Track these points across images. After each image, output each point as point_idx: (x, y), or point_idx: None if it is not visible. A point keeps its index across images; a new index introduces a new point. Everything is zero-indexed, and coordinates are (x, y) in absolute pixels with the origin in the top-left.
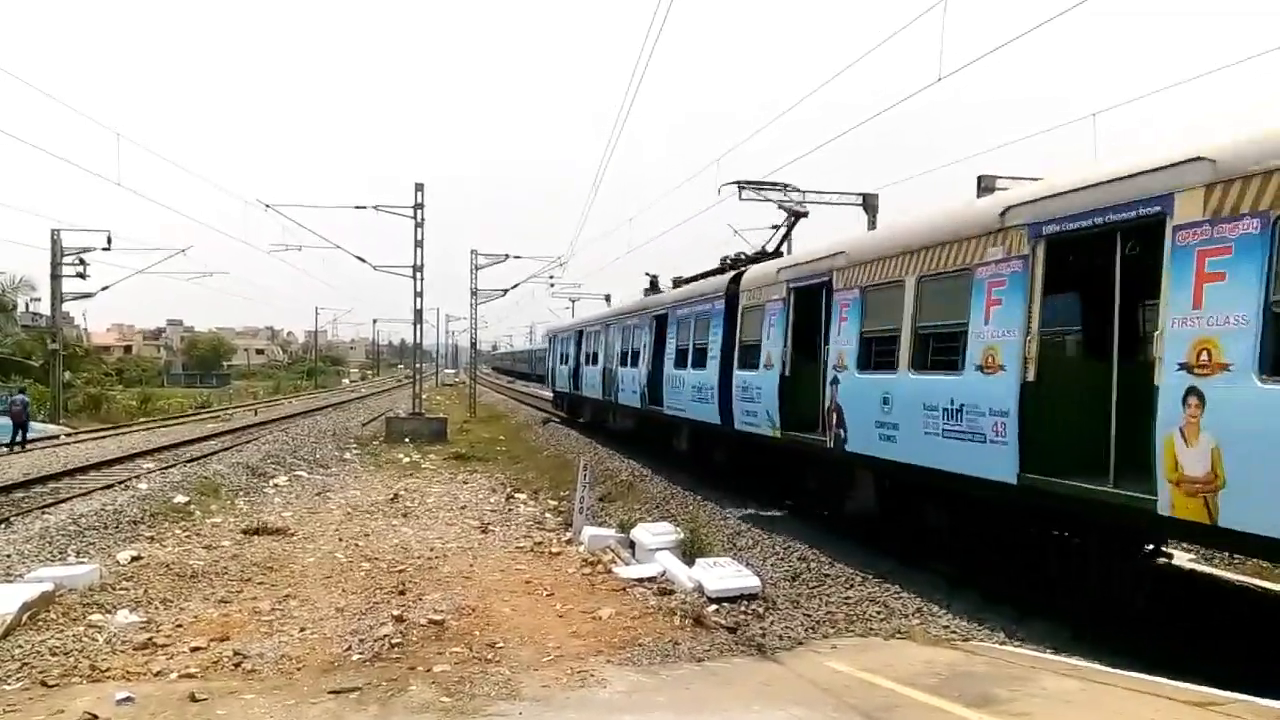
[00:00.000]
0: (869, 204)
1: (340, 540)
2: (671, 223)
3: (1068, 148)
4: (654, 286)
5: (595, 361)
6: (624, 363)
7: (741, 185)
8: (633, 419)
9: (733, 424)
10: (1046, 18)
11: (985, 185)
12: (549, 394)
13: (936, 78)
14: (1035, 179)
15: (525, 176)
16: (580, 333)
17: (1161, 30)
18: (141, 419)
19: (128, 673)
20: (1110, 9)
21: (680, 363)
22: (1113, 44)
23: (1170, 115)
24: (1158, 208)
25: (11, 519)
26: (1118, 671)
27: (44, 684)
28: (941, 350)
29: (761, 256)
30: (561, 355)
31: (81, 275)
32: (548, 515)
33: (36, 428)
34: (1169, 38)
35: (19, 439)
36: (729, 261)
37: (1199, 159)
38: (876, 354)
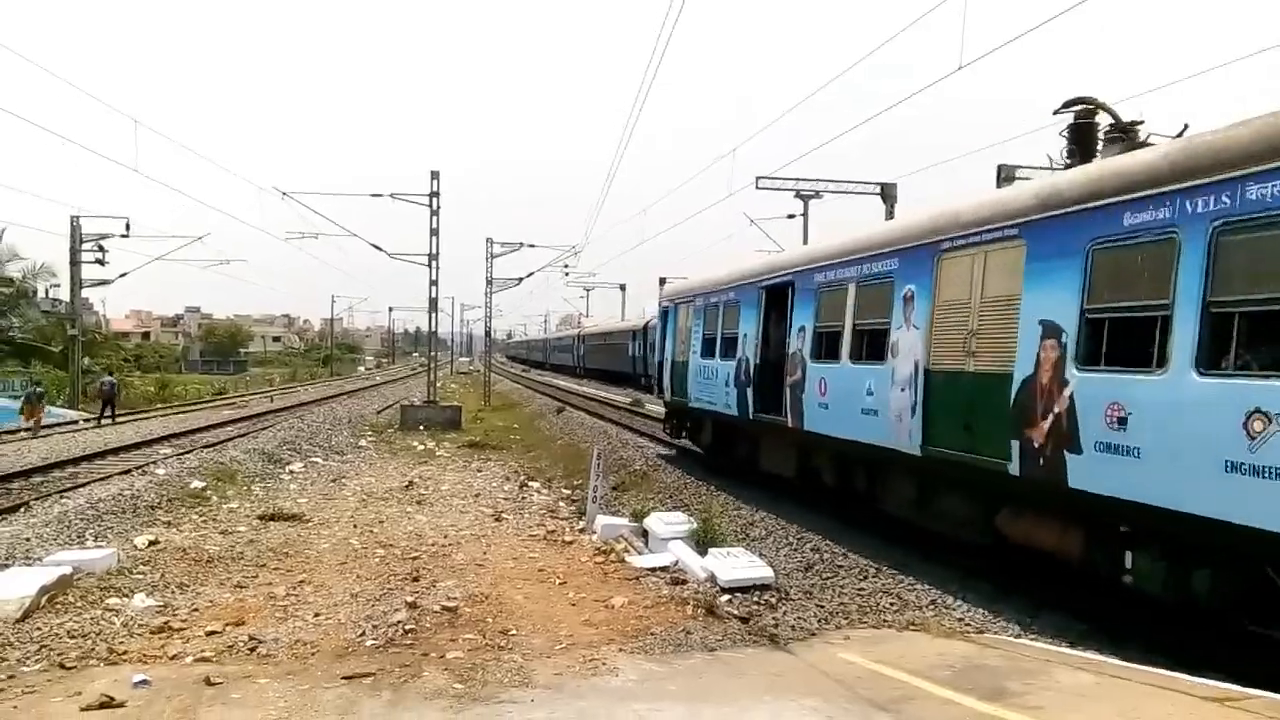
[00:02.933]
0: (886, 193)
1: (355, 527)
2: (686, 213)
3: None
4: None
5: (883, 353)
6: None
7: None
8: None
9: None
10: (1061, 10)
11: (1005, 175)
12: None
13: (957, 66)
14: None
15: (540, 175)
16: (785, 287)
17: (1161, 24)
18: (159, 405)
19: (144, 656)
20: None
21: None
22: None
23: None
24: None
25: (30, 503)
26: (1134, 666)
27: (62, 666)
28: None
29: None
30: (707, 341)
31: (100, 262)
32: (561, 504)
33: (56, 413)
34: (1163, 32)
35: (108, 414)
36: None
37: None
38: None
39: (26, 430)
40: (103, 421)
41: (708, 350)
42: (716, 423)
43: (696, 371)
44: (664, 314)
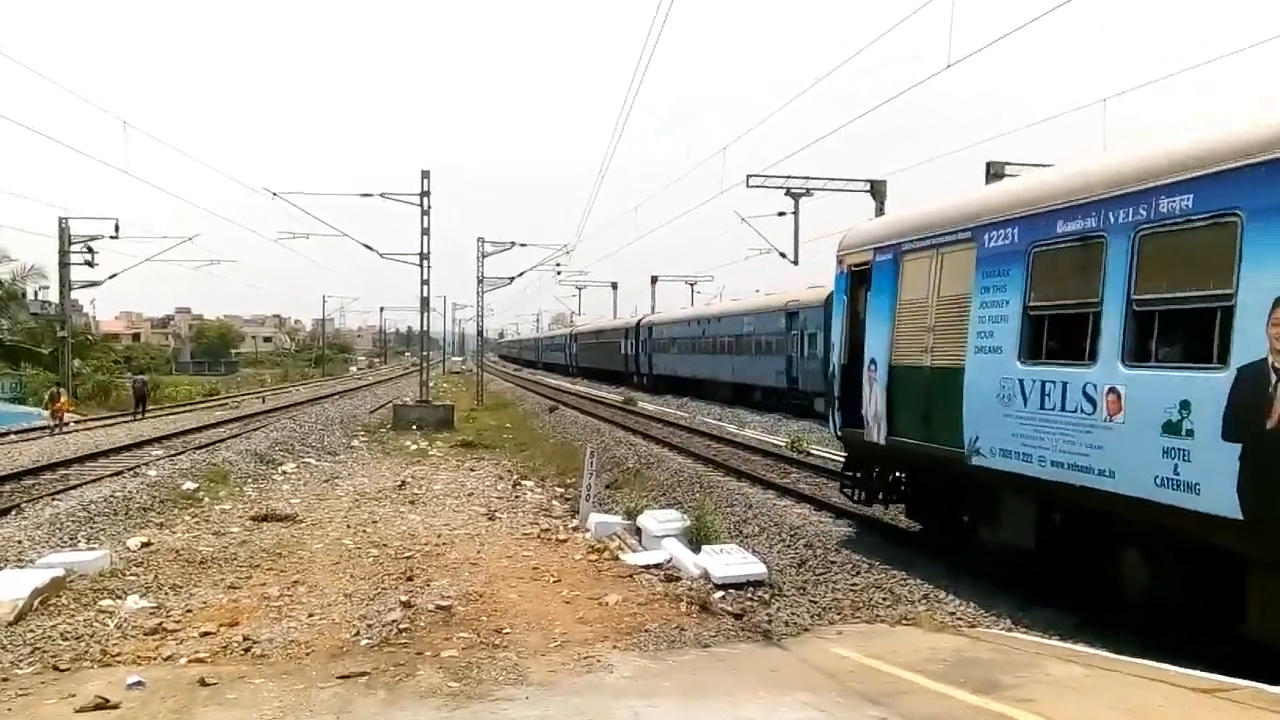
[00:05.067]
0: (876, 190)
1: (348, 527)
2: (677, 211)
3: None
4: None
5: None
6: None
7: None
8: None
9: None
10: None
11: (994, 171)
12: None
13: (945, 64)
14: (1045, 165)
15: (532, 175)
16: None
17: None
18: (150, 406)
19: (138, 657)
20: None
21: None
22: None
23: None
24: None
25: (23, 505)
26: (1123, 658)
27: (56, 668)
28: None
29: None
30: (1040, 325)
31: (90, 263)
32: (554, 502)
33: (46, 415)
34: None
35: (141, 410)
36: None
37: None
38: None
39: (52, 427)
40: (144, 415)
41: (1045, 346)
42: (1061, 508)
43: (991, 393)
44: (851, 279)
